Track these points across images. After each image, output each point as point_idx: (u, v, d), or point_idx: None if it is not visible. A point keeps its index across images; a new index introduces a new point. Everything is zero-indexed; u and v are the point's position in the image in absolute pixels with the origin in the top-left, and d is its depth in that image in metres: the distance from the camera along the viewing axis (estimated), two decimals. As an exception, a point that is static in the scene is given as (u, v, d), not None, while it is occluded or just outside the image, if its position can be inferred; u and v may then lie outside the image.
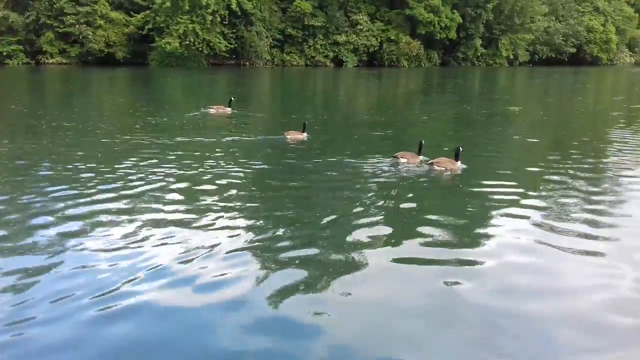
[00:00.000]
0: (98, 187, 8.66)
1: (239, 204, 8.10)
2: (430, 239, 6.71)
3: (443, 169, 10.14)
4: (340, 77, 46.07)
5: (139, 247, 6.29)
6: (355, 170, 10.30)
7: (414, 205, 8.27)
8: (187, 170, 9.98)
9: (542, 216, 7.67)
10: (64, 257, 5.99)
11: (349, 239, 6.66)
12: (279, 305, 5.04)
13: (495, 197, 8.65)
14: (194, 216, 7.38)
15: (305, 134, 13.70)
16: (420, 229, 7.06)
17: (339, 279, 5.57)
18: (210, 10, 49.11)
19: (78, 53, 51.06)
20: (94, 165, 10.26)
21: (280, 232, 6.88)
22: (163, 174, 9.65)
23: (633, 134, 15.71)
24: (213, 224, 7.07)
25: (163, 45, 49.20)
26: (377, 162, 10.80)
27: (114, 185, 8.73)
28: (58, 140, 13.17)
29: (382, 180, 9.56)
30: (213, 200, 8.15)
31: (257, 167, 10.79)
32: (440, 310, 5.08)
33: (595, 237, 6.91)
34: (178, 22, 48.95)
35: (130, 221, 7.12)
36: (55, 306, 4.92)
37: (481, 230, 7.15)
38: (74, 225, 6.92)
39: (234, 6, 50.26)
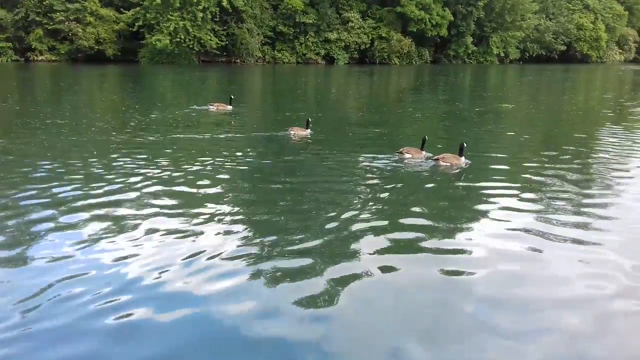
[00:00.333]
0: (95, 184, 8.65)
1: (240, 199, 8.14)
2: (429, 233, 6.80)
3: (448, 164, 10.41)
4: (332, 75, 46.07)
5: (138, 245, 6.31)
6: (355, 166, 10.42)
7: (412, 199, 8.38)
8: (187, 168, 9.98)
9: (535, 211, 7.85)
10: (60, 254, 5.98)
11: (350, 235, 6.70)
12: (278, 303, 5.06)
13: (492, 192, 8.85)
14: (192, 212, 7.40)
15: (308, 131, 13.78)
16: (417, 222, 7.17)
17: (339, 276, 5.60)
18: (201, 7, 48.94)
19: (68, 50, 50.77)
20: (89, 162, 10.25)
21: (280, 227, 6.92)
22: (161, 170, 9.67)
23: (623, 130, 16.00)
24: (212, 220, 7.09)
25: (153, 43, 48.97)
26: (380, 158, 10.94)
27: (114, 186, 8.65)
28: (52, 138, 13.09)
29: (386, 176, 9.75)
30: (211, 197, 8.17)
31: (260, 163, 10.90)
32: (439, 306, 5.15)
33: (586, 227, 7.16)
34: (169, 19, 48.76)
35: (130, 217, 7.12)
36: (54, 304, 4.94)
37: (479, 227, 7.26)
38: (69, 222, 6.91)
39: (224, 3, 50.17)
